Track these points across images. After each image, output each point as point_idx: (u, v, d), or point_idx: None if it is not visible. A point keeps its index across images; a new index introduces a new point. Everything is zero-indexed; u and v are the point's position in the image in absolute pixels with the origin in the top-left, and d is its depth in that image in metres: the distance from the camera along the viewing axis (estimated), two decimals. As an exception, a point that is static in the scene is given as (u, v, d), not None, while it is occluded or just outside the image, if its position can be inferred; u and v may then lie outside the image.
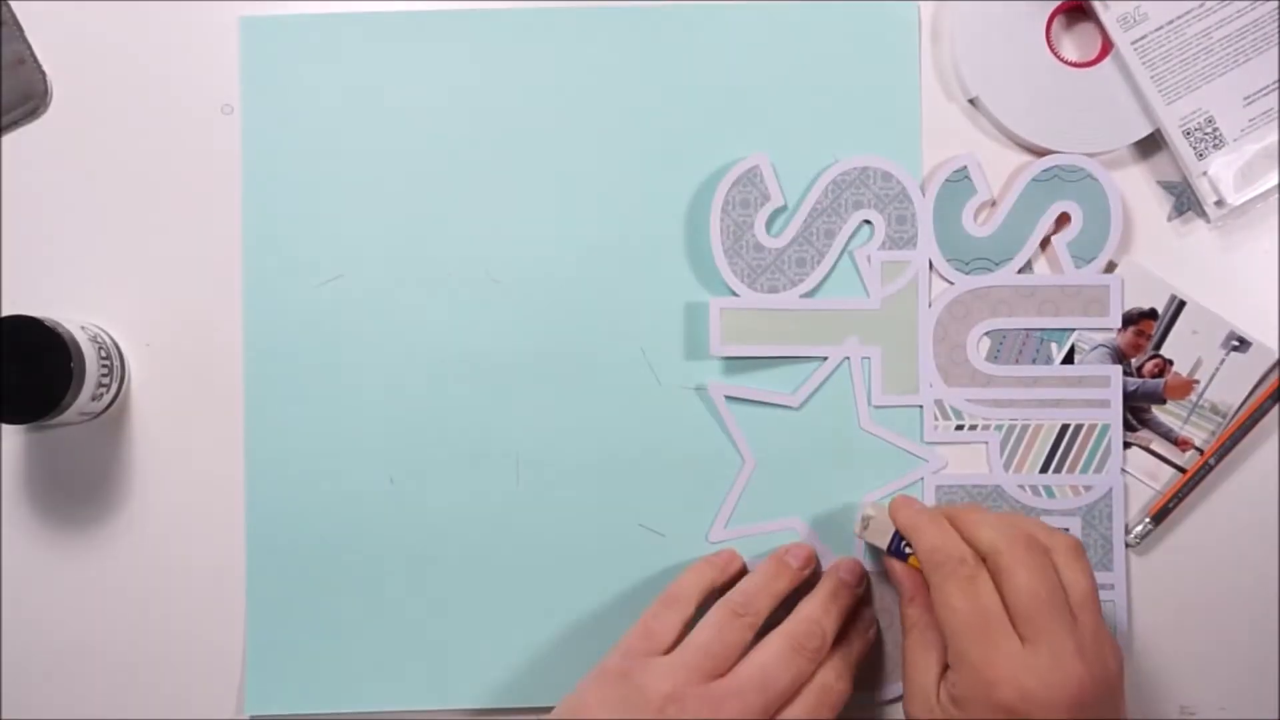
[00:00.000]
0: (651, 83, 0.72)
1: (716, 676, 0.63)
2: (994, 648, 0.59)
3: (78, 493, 0.72)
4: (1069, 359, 0.72)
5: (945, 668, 0.63)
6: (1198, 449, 0.72)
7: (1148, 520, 0.71)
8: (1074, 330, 0.71)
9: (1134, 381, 0.72)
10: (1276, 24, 0.70)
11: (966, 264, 0.71)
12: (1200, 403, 0.72)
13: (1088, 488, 0.71)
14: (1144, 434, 0.72)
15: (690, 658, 0.63)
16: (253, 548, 0.72)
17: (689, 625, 0.66)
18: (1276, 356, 0.71)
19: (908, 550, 0.66)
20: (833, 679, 0.65)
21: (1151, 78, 0.70)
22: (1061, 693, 0.58)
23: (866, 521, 0.68)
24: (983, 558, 0.63)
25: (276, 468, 0.71)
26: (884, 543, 0.67)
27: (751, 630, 0.65)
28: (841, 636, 0.67)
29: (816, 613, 0.66)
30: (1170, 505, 0.71)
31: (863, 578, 0.70)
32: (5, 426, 0.72)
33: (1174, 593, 0.72)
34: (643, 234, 0.72)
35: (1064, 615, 0.60)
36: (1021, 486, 0.71)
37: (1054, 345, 0.71)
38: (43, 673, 0.72)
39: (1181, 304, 0.72)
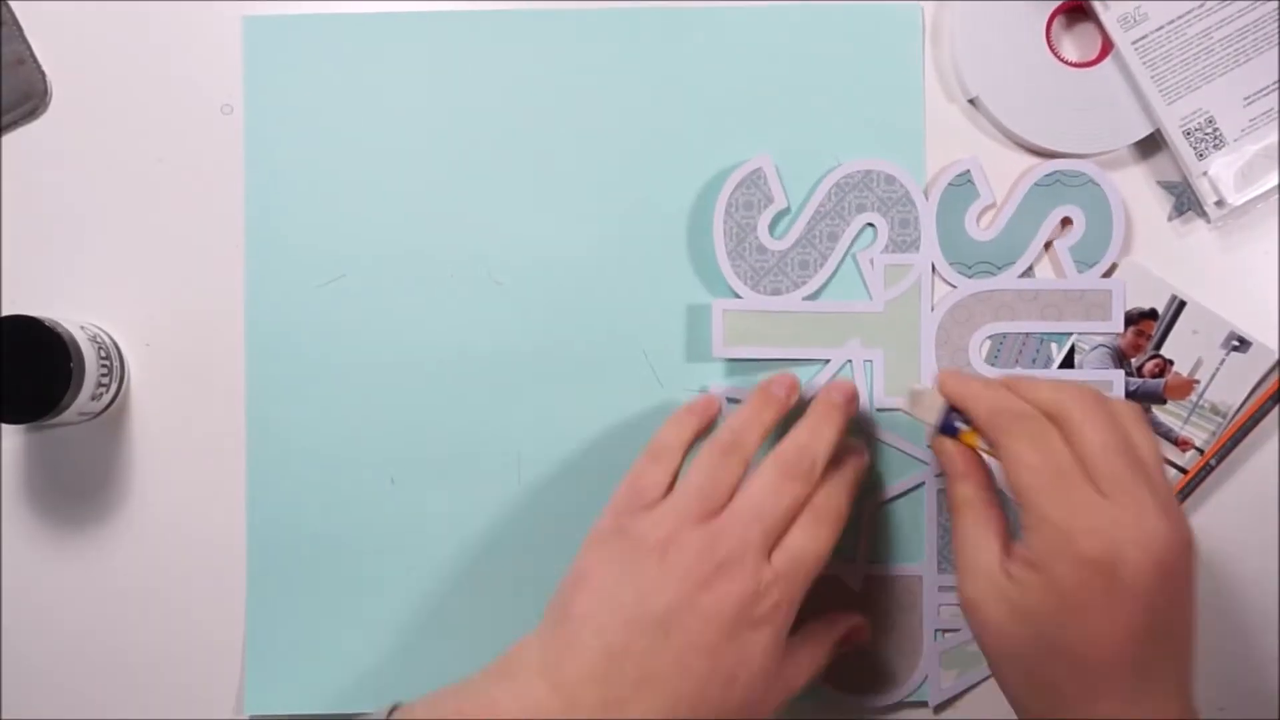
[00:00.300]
0: (654, 84, 0.72)
1: (713, 516, 0.61)
2: (1075, 501, 0.56)
3: (78, 493, 0.72)
4: (1069, 359, 0.72)
5: (1005, 546, 0.60)
6: (1198, 449, 0.72)
7: (1148, 521, 0.71)
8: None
9: (1134, 382, 0.72)
10: (1277, 24, 0.70)
11: (969, 267, 0.71)
12: (1200, 403, 0.72)
13: (1089, 488, 0.71)
14: (1144, 435, 0.72)
15: (682, 502, 0.61)
16: (253, 547, 0.71)
17: (676, 476, 0.64)
18: (1277, 357, 0.71)
19: (959, 426, 0.64)
20: (830, 498, 0.63)
21: (1152, 78, 0.70)
22: (1147, 551, 0.55)
23: (915, 396, 0.65)
24: (1049, 417, 0.59)
25: (278, 468, 0.71)
26: (933, 418, 0.65)
27: (742, 466, 0.62)
28: (833, 463, 0.64)
29: (804, 438, 0.63)
30: (1171, 507, 0.71)
31: (853, 399, 0.66)
32: (5, 426, 0.71)
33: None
34: (645, 236, 0.72)
35: (1142, 470, 0.57)
36: (1024, 488, 0.71)
37: (1054, 346, 0.72)
38: (42, 673, 0.72)
39: (1182, 304, 0.72)
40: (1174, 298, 0.72)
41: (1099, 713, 0.56)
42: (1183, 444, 0.72)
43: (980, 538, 0.60)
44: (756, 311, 0.71)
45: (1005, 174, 0.72)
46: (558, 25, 0.72)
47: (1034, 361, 0.72)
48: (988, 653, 0.60)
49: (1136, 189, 0.73)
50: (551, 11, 0.72)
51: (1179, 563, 0.56)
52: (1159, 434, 0.72)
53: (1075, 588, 0.55)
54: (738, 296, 0.71)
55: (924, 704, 0.72)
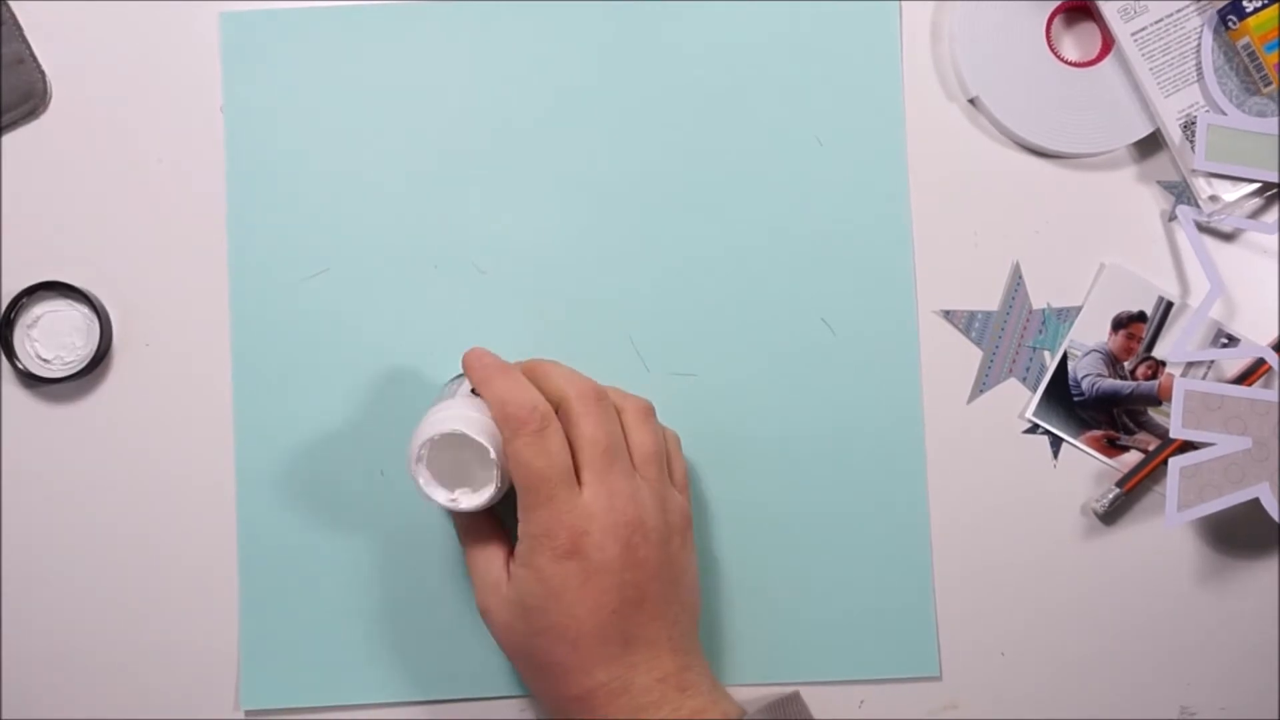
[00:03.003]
0: (632, 76, 0.72)
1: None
2: (557, 499, 0.61)
3: (68, 489, 0.72)
4: (1062, 365, 0.71)
5: (509, 555, 0.65)
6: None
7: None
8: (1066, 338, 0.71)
9: (1128, 385, 0.71)
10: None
11: None
12: (1193, 402, 0.71)
13: None
14: (1141, 436, 0.71)
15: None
16: (244, 542, 0.71)
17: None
18: (1271, 355, 0.71)
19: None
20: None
21: (1150, 70, 0.70)
22: (614, 536, 0.61)
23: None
24: (555, 407, 0.63)
25: (267, 462, 0.71)
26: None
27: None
28: None
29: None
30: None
31: None
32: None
33: (1174, 591, 0.71)
34: (628, 221, 0.72)
35: (623, 464, 0.63)
36: None
37: (1046, 354, 0.71)
38: (34, 672, 0.72)
39: (1169, 305, 0.71)
40: (1161, 299, 0.71)
41: (597, 680, 0.62)
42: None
43: (486, 554, 0.66)
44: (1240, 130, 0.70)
45: (1005, 173, 0.72)
46: (535, 18, 0.72)
47: (1027, 370, 0.71)
48: (504, 650, 0.65)
49: (1136, 189, 0.72)
50: (528, 6, 0.72)
51: (648, 541, 0.62)
52: (1155, 435, 0.71)
53: (554, 575, 0.61)
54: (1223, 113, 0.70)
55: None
